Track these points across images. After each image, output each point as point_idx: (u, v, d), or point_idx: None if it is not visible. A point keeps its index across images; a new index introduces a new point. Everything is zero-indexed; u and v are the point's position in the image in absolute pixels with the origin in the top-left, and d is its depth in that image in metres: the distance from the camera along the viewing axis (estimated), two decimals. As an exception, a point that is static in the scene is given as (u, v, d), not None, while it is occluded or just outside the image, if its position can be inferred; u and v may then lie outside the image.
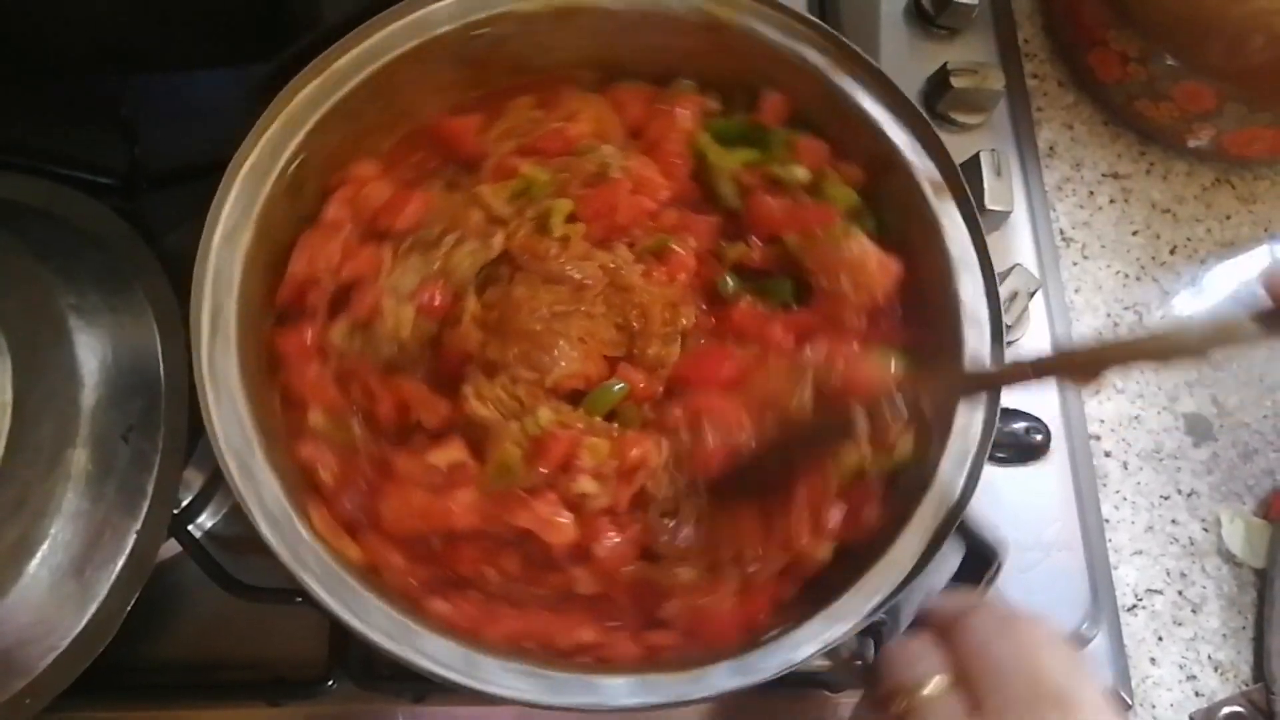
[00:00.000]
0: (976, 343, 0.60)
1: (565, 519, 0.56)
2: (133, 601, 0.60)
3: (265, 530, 0.52)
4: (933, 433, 0.58)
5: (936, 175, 0.62)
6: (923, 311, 0.63)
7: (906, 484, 0.59)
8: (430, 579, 0.57)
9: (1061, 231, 0.92)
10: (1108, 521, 0.82)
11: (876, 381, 0.55)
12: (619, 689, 0.52)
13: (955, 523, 0.56)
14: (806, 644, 0.54)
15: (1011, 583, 0.75)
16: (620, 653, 0.57)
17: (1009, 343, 0.65)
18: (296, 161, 0.58)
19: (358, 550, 0.55)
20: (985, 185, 0.80)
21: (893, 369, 0.58)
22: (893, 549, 0.56)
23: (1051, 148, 0.95)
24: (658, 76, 0.68)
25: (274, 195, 0.57)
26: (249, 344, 0.57)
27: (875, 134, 0.63)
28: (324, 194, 0.63)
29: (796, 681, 0.71)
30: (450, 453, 0.57)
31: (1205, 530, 0.83)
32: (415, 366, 0.61)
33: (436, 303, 0.60)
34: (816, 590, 0.58)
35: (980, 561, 0.58)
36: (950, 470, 0.57)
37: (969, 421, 0.58)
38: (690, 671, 0.53)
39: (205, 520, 0.74)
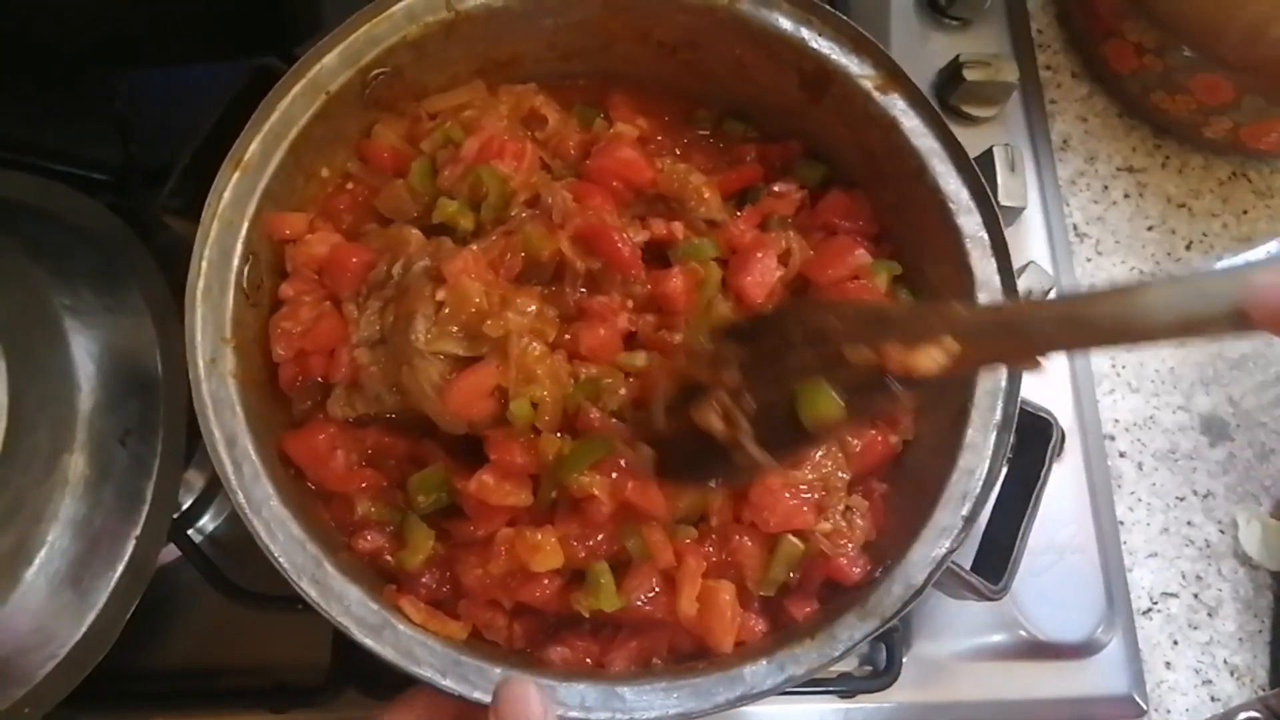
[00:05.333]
0: (972, 228, 0.61)
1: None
2: (132, 608, 0.58)
3: (371, 644, 0.51)
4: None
5: (875, 75, 0.63)
6: (910, 214, 0.64)
7: (952, 386, 0.60)
8: (536, 628, 0.57)
9: (1075, 227, 0.90)
10: (1122, 523, 0.81)
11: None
12: (761, 673, 0.53)
13: (1016, 402, 0.58)
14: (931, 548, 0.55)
15: (1025, 586, 0.74)
16: (747, 633, 0.57)
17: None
18: (248, 265, 0.57)
19: (459, 625, 0.54)
20: (999, 180, 0.78)
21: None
22: (965, 440, 0.58)
23: (1065, 141, 0.93)
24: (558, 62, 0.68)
25: (237, 307, 0.56)
26: (274, 461, 0.55)
27: (800, 49, 0.63)
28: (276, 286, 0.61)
29: (810, 688, 0.71)
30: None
31: (1221, 532, 0.82)
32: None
33: None
34: (914, 504, 0.59)
35: (1039, 436, 0.60)
36: None
37: (990, 300, 0.60)
38: (817, 637, 0.54)
39: (206, 523, 0.73)
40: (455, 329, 0.55)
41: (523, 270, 0.58)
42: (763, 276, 0.62)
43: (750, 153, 0.70)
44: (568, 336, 0.58)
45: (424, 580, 0.56)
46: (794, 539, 0.57)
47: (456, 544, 0.56)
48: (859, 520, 0.59)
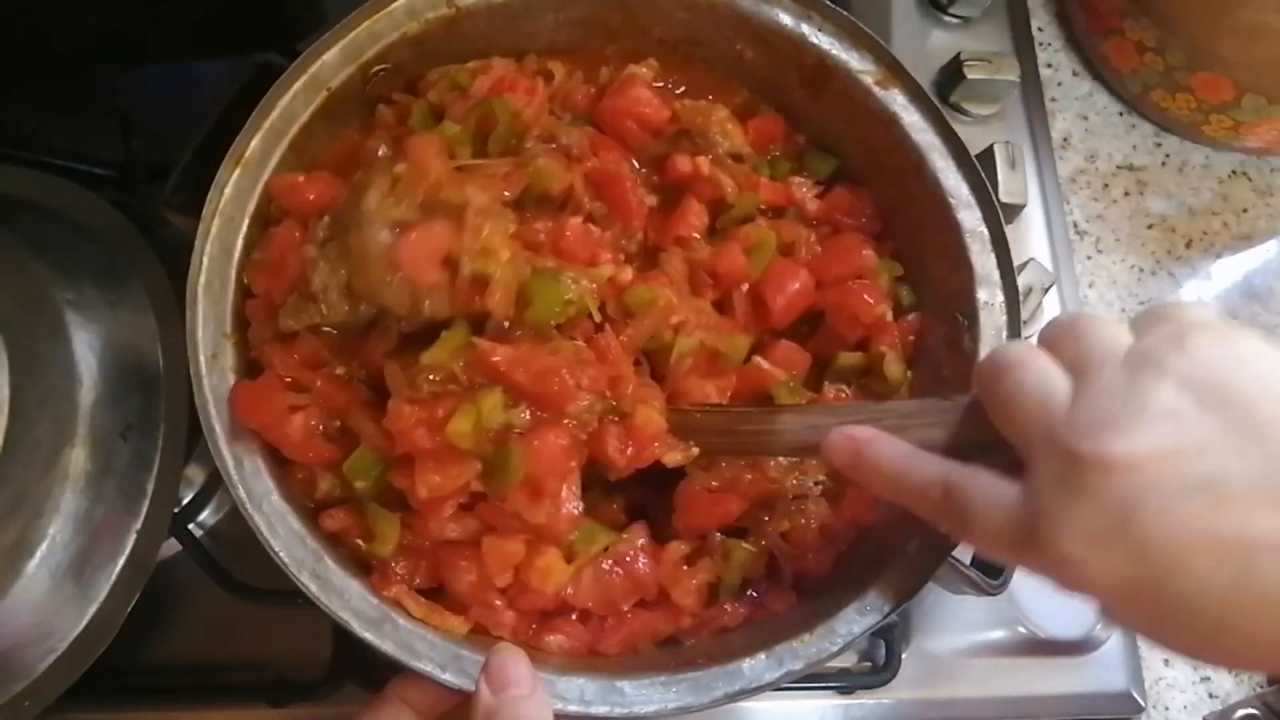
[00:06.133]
0: (972, 223, 0.61)
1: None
2: (133, 602, 0.59)
3: (371, 638, 0.51)
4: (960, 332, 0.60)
5: (875, 70, 0.62)
6: (911, 209, 0.64)
7: (953, 381, 0.60)
8: (528, 619, 0.56)
9: (1075, 225, 0.90)
10: (1122, 520, 0.80)
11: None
12: (759, 667, 0.52)
13: None
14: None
15: (1024, 583, 0.74)
16: (731, 618, 0.57)
17: (1026, 338, 0.64)
18: (248, 262, 0.57)
19: (460, 620, 0.53)
20: (1000, 178, 0.78)
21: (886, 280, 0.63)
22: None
23: (1065, 139, 0.93)
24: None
25: (238, 303, 0.56)
26: (273, 456, 0.55)
27: (800, 44, 0.63)
28: None
29: (809, 684, 0.71)
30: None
31: (1220, 529, 0.82)
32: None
33: None
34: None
35: None
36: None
37: (990, 299, 0.59)
38: (816, 631, 0.53)
39: (206, 518, 0.73)
40: (409, 200, 0.51)
41: (520, 196, 0.55)
42: (794, 288, 0.61)
43: (769, 109, 0.68)
44: (542, 236, 0.55)
45: (398, 569, 0.54)
46: (745, 544, 0.57)
47: (440, 545, 0.54)
48: (813, 509, 0.57)
